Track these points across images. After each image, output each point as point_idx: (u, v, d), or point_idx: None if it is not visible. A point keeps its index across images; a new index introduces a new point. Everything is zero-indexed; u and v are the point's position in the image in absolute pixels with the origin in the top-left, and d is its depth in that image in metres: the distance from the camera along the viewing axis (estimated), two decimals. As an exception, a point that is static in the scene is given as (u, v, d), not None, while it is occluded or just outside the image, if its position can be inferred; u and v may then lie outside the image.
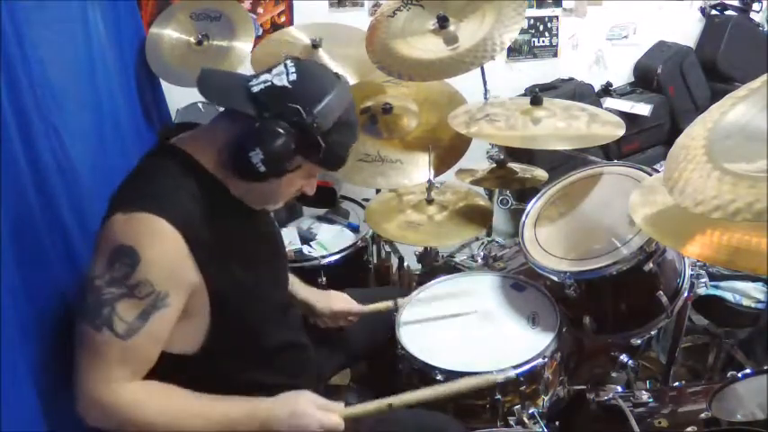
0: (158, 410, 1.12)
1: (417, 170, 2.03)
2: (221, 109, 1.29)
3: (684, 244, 1.17)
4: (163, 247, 1.10)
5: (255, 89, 1.16)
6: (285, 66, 1.18)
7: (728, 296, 1.95)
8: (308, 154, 1.17)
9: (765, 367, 1.44)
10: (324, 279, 1.96)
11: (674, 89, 3.21)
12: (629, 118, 2.82)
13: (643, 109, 3.04)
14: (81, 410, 1.11)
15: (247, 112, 1.15)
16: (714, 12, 3.38)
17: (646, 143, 3.17)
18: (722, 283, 1.94)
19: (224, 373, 1.24)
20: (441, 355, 1.49)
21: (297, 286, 1.58)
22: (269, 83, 1.16)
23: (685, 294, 1.64)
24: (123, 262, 1.08)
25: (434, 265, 2.19)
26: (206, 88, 1.22)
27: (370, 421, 1.32)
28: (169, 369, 1.16)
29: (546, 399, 1.53)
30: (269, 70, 1.18)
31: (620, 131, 1.78)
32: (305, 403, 1.21)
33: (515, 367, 1.43)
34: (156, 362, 1.15)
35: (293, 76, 1.16)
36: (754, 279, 1.93)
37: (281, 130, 1.12)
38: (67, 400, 1.15)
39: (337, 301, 1.59)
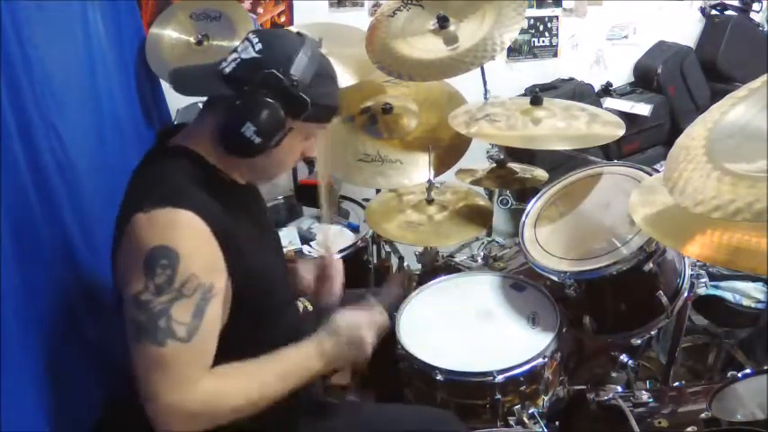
0: (240, 390, 1.12)
1: (417, 170, 2.03)
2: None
3: (684, 244, 1.16)
4: (195, 238, 1.09)
5: (227, 70, 1.17)
6: (248, 39, 1.19)
7: (728, 296, 1.95)
8: (297, 113, 1.17)
9: (765, 367, 1.44)
10: (324, 279, 1.96)
11: (674, 89, 3.21)
12: (629, 118, 2.82)
13: (643, 109, 3.04)
14: (169, 426, 1.05)
15: (227, 93, 1.16)
16: (714, 12, 3.38)
17: (646, 143, 3.16)
18: (722, 283, 1.94)
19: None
20: (441, 355, 1.49)
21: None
22: (238, 59, 1.17)
23: (685, 294, 1.64)
24: (162, 264, 1.05)
25: (434, 265, 2.19)
26: (180, 85, 1.23)
27: (373, 416, 1.33)
28: None
29: (546, 399, 1.53)
30: (235, 50, 1.20)
31: (620, 131, 1.78)
32: (349, 314, 1.28)
33: (515, 367, 1.44)
34: None
35: (259, 46, 1.17)
36: (754, 279, 1.93)
37: (265, 98, 1.13)
38: (67, 401, 1.15)
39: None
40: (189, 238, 1.08)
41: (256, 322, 1.26)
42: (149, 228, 1.07)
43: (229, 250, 1.14)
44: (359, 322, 1.27)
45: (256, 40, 1.18)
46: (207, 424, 1.09)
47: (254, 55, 1.16)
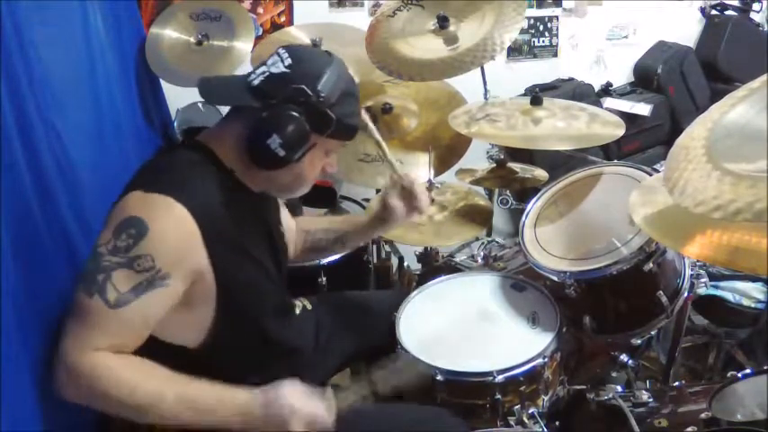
0: (133, 383, 1.08)
1: (417, 170, 2.03)
2: (224, 110, 1.30)
3: (684, 244, 1.17)
4: (174, 228, 1.10)
5: (256, 82, 1.19)
6: (278, 54, 1.21)
7: (728, 296, 1.95)
8: (321, 130, 1.19)
9: (765, 367, 1.44)
10: (324, 279, 1.96)
11: (674, 89, 3.22)
12: (629, 118, 2.82)
13: (643, 109, 3.04)
14: (56, 379, 1.07)
15: (254, 105, 1.17)
16: (714, 12, 3.39)
17: (646, 143, 3.17)
18: (722, 283, 1.94)
19: (222, 371, 1.23)
20: (441, 355, 1.49)
21: (359, 217, 1.66)
22: (267, 73, 1.19)
23: (685, 294, 1.64)
24: (129, 233, 1.08)
25: (434, 265, 2.19)
26: (208, 93, 1.25)
27: (372, 415, 1.33)
28: (167, 360, 1.15)
29: (546, 399, 1.53)
30: (264, 63, 1.22)
31: (620, 131, 1.78)
32: (294, 394, 1.16)
33: (515, 367, 1.44)
34: (153, 351, 1.14)
35: (288, 61, 1.19)
36: (754, 279, 1.93)
37: (292, 112, 1.15)
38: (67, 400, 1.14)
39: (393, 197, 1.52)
40: (170, 227, 1.10)
41: (248, 327, 1.26)
42: (139, 203, 1.11)
43: (221, 249, 1.15)
44: (294, 406, 1.14)
45: (286, 55, 1.20)
46: (86, 394, 1.08)
47: (284, 70, 1.18)
